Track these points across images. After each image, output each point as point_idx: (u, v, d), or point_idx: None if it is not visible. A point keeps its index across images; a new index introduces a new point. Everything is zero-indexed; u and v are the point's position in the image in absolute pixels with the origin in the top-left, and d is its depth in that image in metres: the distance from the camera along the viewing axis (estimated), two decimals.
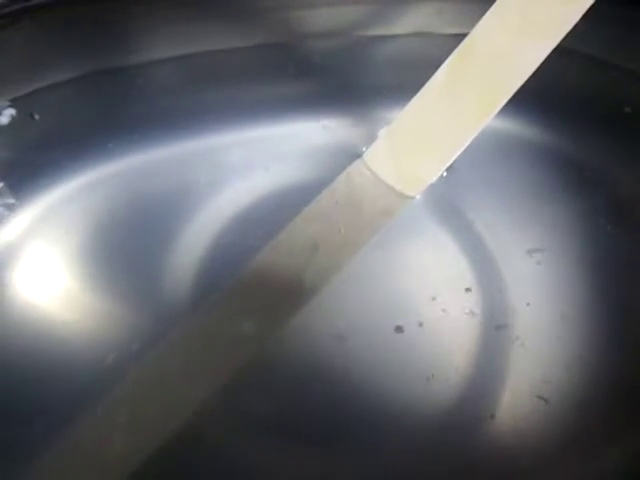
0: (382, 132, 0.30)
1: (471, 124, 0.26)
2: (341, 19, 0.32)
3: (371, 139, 0.31)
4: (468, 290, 0.31)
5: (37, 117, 0.30)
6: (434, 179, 0.28)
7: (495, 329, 0.30)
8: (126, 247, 0.30)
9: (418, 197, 0.30)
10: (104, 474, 0.26)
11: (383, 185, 0.28)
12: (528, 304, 0.31)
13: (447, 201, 0.32)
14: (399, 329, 0.30)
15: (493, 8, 0.24)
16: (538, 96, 0.30)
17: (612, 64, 0.32)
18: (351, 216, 0.29)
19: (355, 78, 0.34)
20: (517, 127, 0.34)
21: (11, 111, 0.29)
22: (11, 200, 0.30)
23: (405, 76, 0.32)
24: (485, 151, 0.33)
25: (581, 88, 0.34)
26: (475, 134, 0.26)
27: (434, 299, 0.31)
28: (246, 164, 0.33)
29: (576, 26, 0.24)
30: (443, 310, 0.31)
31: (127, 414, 0.26)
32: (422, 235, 0.32)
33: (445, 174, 0.32)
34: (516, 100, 0.26)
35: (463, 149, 0.27)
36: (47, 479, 0.26)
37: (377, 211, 0.29)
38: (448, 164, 0.28)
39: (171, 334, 0.28)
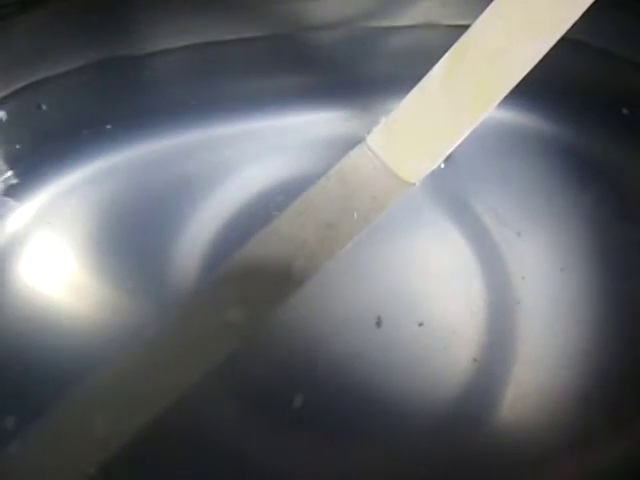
0: (384, 119, 0.30)
1: (468, 119, 0.26)
2: (345, 10, 0.32)
3: None
4: (472, 280, 0.31)
5: (44, 107, 0.30)
6: (432, 169, 0.29)
7: (498, 321, 0.31)
8: (131, 237, 0.31)
9: (418, 186, 0.31)
10: (86, 456, 0.26)
11: (385, 169, 0.29)
12: (530, 293, 0.31)
13: (448, 192, 0.33)
14: (402, 321, 0.30)
15: (492, 5, 0.25)
16: (540, 86, 0.30)
17: (617, 55, 0.32)
18: (352, 199, 0.29)
19: (360, 69, 0.34)
20: (518, 117, 0.34)
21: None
22: (18, 183, 0.30)
23: (410, 67, 0.32)
24: (486, 141, 0.33)
25: (584, 79, 0.34)
26: (472, 128, 0.27)
27: (437, 290, 0.31)
28: (251, 155, 0.33)
29: (582, 17, 0.24)
30: (447, 301, 0.31)
31: (110, 398, 0.27)
32: (423, 226, 0.32)
33: (443, 165, 0.32)
34: (518, 90, 0.26)
35: (461, 141, 0.27)
36: (30, 460, 0.26)
37: (377, 196, 0.29)
38: (445, 156, 0.28)
39: (157, 321, 0.29)
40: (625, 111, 0.33)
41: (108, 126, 0.32)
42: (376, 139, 0.28)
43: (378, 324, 0.30)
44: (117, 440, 0.26)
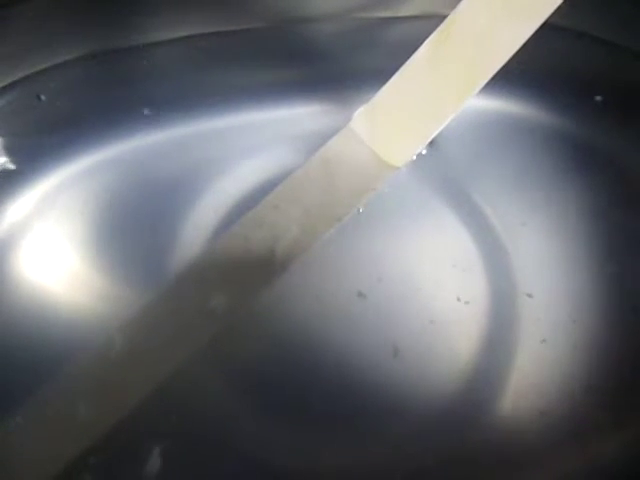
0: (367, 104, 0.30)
1: (452, 101, 0.26)
2: (344, 1, 0.32)
3: None
4: (470, 268, 0.31)
5: (43, 98, 0.30)
6: (417, 152, 0.29)
7: (499, 312, 0.31)
8: (131, 229, 0.31)
9: (405, 170, 0.30)
10: (68, 442, 0.27)
11: (369, 152, 0.29)
12: (530, 283, 0.31)
13: (436, 176, 0.32)
14: (393, 310, 0.30)
15: None
16: (530, 73, 0.30)
17: (613, 43, 0.32)
18: (336, 183, 0.29)
19: (358, 61, 0.34)
20: (505, 104, 0.33)
21: None
22: (17, 174, 0.31)
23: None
24: (471, 127, 0.33)
25: (576, 65, 0.34)
26: (456, 111, 0.27)
27: (434, 281, 0.31)
28: (249, 147, 0.33)
29: (581, 7, 0.24)
30: (445, 292, 0.31)
31: (93, 383, 0.27)
32: (411, 210, 0.32)
33: (425, 152, 0.32)
34: (505, 76, 0.26)
35: (445, 125, 0.27)
36: (12, 445, 0.27)
37: (361, 180, 0.29)
38: (430, 139, 0.28)
39: (140, 305, 0.29)
40: (620, 97, 0.33)
41: (107, 117, 0.32)
42: (360, 122, 0.28)
43: (365, 310, 0.30)
44: (101, 426, 0.27)
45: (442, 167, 0.32)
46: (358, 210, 0.30)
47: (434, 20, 0.32)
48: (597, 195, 0.32)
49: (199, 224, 0.31)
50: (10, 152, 0.30)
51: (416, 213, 0.32)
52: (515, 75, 0.26)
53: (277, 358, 0.29)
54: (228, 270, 0.29)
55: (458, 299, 0.31)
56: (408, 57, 0.28)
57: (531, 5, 0.24)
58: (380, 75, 0.32)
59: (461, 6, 0.25)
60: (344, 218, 0.29)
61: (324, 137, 0.32)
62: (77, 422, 0.27)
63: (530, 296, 0.31)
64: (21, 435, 0.27)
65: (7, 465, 0.27)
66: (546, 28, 0.25)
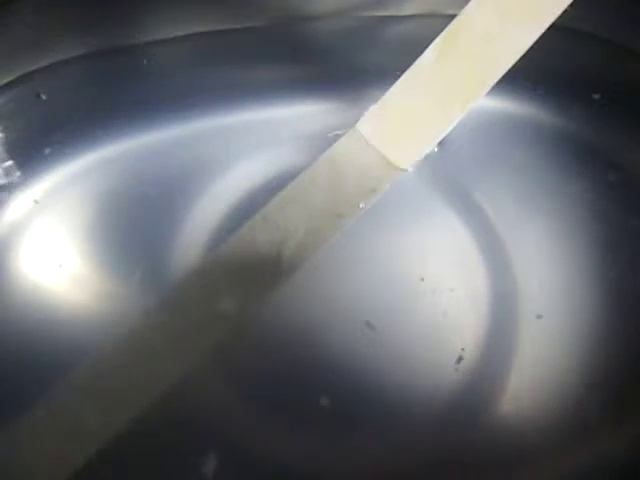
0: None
1: (460, 104, 0.26)
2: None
3: None
4: (473, 268, 0.31)
5: (44, 97, 0.30)
6: (424, 154, 0.28)
7: (498, 311, 0.31)
8: (131, 228, 0.31)
9: (412, 172, 0.30)
10: (76, 445, 0.26)
11: (376, 154, 0.28)
12: (532, 284, 0.31)
13: (444, 178, 0.33)
14: (398, 311, 0.30)
15: None
16: (531, 72, 0.30)
17: (611, 41, 0.32)
18: (343, 186, 0.29)
19: (360, 60, 0.34)
20: (505, 104, 0.34)
21: None
22: (17, 173, 0.30)
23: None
24: (479, 128, 0.33)
25: (580, 65, 0.34)
26: (464, 113, 0.27)
27: (436, 279, 0.31)
28: (251, 148, 0.33)
29: (582, 7, 0.24)
30: (446, 292, 0.31)
31: (98, 387, 0.27)
32: (419, 213, 0.32)
33: (436, 149, 0.32)
34: (510, 77, 0.26)
35: (453, 127, 0.27)
36: (16, 448, 0.26)
37: (367, 182, 0.29)
38: (437, 141, 0.28)
39: (147, 307, 0.29)
40: (620, 97, 0.33)
41: (108, 116, 0.32)
42: (366, 125, 0.28)
43: (371, 316, 0.30)
44: (107, 431, 0.26)
45: (444, 167, 0.33)
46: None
47: (438, 19, 0.33)
48: (597, 194, 0.32)
49: (200, 225, 0.31)
50: (10, 151, 0.30)
51: (418, 212, 0.32)
52: (514, 74, 0.25)
53: (283, 360, 0.29)
54: (235, 272, 0.29)
55: (459, 299, 0.31)
56: (412, 56, 0.27)
57: (539, 7, 0.24)
58: (383, 74, 0.32)
59: (468, 7, 0.25)
60: (350, 220, 0.29)
61: (326, 137, 0.32)
62: (83, 426, 0.26)
63: (530, 295, 0.31)
64: (26, 438, 0.26)
65: (10, 468, 0.26)
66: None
